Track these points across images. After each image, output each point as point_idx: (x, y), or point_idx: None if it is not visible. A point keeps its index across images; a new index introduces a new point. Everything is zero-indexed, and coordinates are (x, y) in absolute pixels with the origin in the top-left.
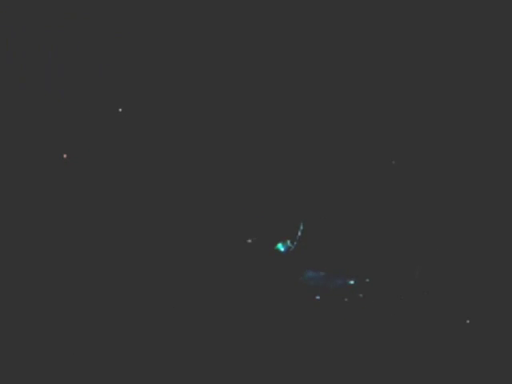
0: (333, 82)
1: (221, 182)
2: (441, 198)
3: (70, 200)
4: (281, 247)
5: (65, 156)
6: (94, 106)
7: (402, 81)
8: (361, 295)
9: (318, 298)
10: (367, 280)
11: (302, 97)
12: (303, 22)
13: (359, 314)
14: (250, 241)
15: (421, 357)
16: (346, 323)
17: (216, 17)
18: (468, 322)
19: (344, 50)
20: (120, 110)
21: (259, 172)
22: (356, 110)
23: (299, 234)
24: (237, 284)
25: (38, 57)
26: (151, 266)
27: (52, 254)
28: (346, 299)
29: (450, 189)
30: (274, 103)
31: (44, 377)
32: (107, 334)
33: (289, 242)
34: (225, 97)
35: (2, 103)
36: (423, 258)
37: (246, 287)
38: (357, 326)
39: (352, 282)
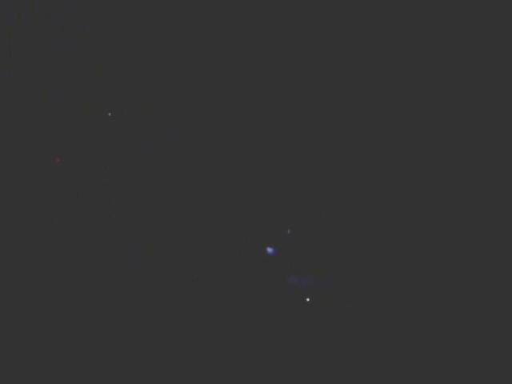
0: (329, 83)
1: (214, 183)
2: (440, 199)
3: (68, 201)
4: (270, 250)
5: (58, 160)
6: (90, 107)
7: (402, 82)
8: (349, 299)
9: (307, 300)
10: (359, 281)
11: (298, 100)
12: (303, 22)
13: (350, 314)
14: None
15: (418, 357)
16: (338, 324)
17: (214, 16)
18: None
19: (343, 50)
20: (109, 114)
21: (250, 174)
22: (352, 111)
23: (287, 235)
24: (229, 286)
25: (36, 58)
26: (145, 267)
27: (51, 255)
28: (335, 301)
29: (449, 190)
30: (268, 105)
31: (44, 377)
32: (107, 334)
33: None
34: (221, 97)
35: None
36: (420, 259)
37: (238, 289)
38: (350, 326)
39: (341, 285)
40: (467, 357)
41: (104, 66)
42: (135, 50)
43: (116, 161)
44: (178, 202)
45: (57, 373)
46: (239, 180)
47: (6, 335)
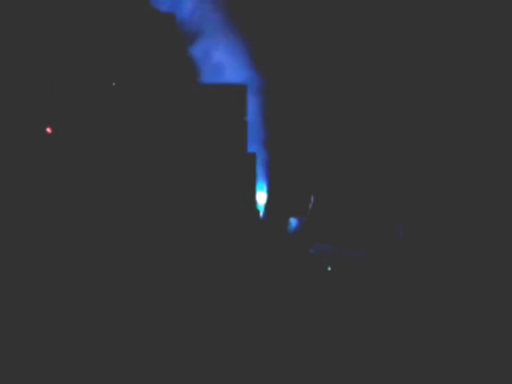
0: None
1: (213, 183)
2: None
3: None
4: (293, 221)
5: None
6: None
7: (402, 85)
8: (368, 265)
9: (329, 269)
10: (372, 252)
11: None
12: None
13: (370, 282)
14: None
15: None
16: (357, 291)
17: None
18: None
19: (343, 51)
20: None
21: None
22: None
23: (310, 207)
24: (229, 286)
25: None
26: (145, 267)
27: (51, 254)
28: (355, 269)
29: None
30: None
31: (44, 377)
32: (107, 333)
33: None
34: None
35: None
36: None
37: (238, 289)
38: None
39: (360, 254)
40: (466, 355)
41: (104, 66)
42: (135, 50)
43: (116, 161)
44: (178, 202)
45: (57, 373)
46: (239, 179)
47: (5, 335)
